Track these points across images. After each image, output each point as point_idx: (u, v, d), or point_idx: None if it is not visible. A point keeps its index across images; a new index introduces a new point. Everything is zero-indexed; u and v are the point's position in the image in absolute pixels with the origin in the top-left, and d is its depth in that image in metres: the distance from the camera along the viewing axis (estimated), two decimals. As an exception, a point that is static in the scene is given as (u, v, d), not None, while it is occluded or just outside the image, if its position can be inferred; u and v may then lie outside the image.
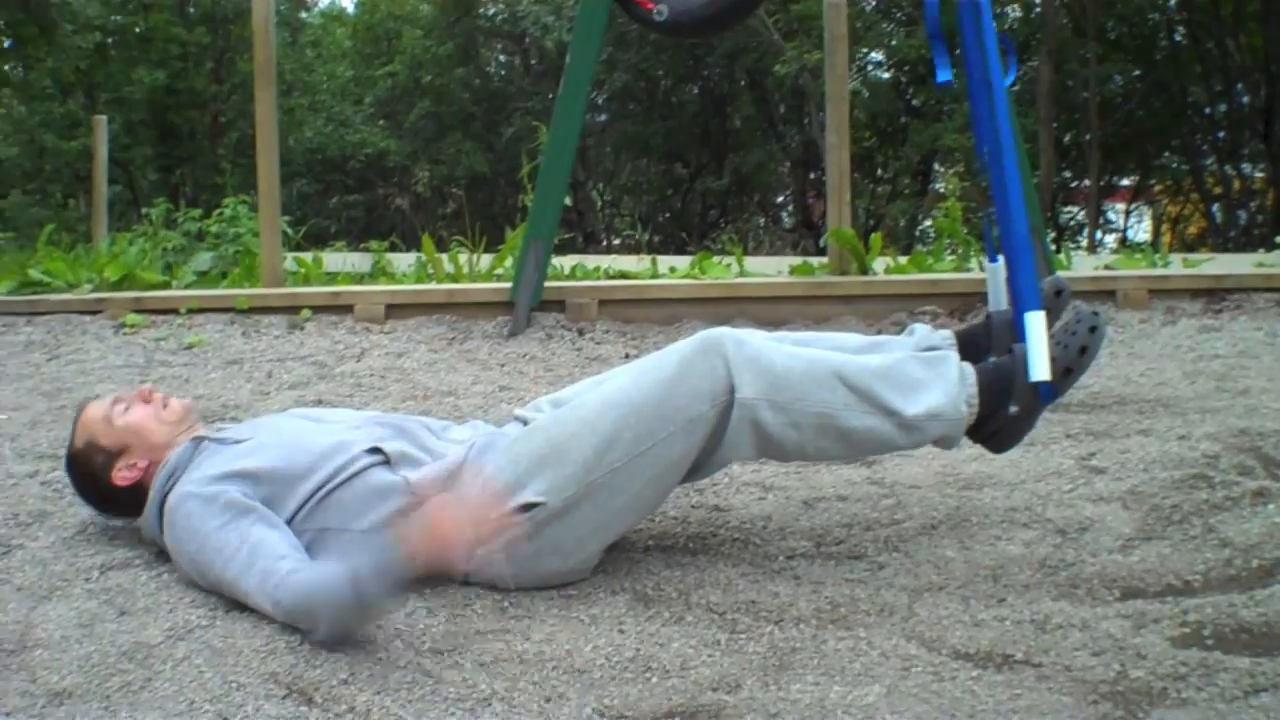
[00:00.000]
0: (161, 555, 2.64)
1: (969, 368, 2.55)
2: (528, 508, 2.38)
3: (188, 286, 6.40)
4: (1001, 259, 2.81)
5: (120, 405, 2.75)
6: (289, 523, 2.47)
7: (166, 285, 6.31)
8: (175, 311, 5.45)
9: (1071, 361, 2.52)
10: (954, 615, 2.32)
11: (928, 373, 2.51)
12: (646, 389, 2.41)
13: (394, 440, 2.60)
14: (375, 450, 2.54)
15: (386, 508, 2.46)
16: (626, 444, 2.38)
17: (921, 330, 2.79)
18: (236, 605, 2.40)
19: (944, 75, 2.94)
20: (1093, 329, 2.55)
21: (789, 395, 2.40)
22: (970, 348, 2.75)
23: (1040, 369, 2.45)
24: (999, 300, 2.94)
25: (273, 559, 2.32)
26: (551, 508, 2.38)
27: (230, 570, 2.36)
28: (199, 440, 2.66)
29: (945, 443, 2.58)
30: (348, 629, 2.21)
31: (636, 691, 2.06)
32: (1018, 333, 2.54)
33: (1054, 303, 2.77)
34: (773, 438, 2.43)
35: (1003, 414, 2.54)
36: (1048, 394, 2.52)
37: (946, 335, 2.78)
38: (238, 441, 2.63)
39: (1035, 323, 2.49)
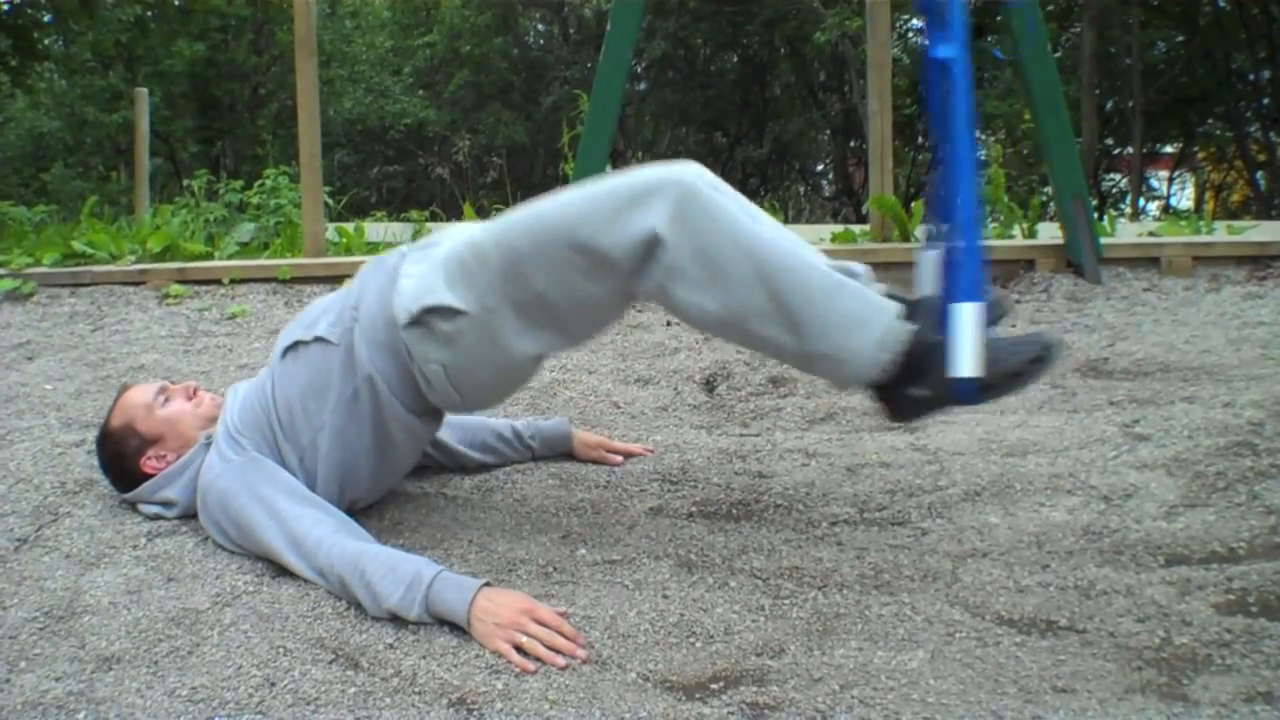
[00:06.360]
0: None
1: (902, 331, 2.29)
2: (450, 313, 2.41)
3: (230, 257, 6.43)
4: (934, 252, 2.56)
5: (162, 396, 2.81)
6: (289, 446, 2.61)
7: (209, 256, 6.33)
8: (218, 282, 5.48)
9: (997, 379, 2.26)
10: (998, 581, 2.32)
11: (863, 311, 2.27)
12: (573, 217, 2.30)
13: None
14: (294, 345, 2.63)
15: (330, 389, 2.57)
16: (545, 267, 2.32)
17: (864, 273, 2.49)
18: (282, 571, 2.43)
19: (945, 52, 2.86)
20: (1037, 360, 2.27)
21: (710, 275, 2.26)
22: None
23: (961, 365, 2.24)
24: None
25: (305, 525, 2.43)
26: (473, 315, 2.39)
27: (269, 541, 2.45)
28: (209, 440, 2.73)
29: (833, 383, 2.50)
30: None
31: (681, 656, 2.06)
32: (943, 322, 2.30)
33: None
34: (677, 307, 2.34)
35: (909, 390, 2.35)
36: (965, 393, 2.26)
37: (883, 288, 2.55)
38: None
39: (968, 315, 2.24)
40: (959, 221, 2.33)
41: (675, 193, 2.24)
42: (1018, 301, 5.07)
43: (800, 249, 2.32)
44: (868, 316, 2.27)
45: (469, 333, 2.41)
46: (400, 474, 2.83)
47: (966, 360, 2.22)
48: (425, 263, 2.52)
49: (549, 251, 2.31)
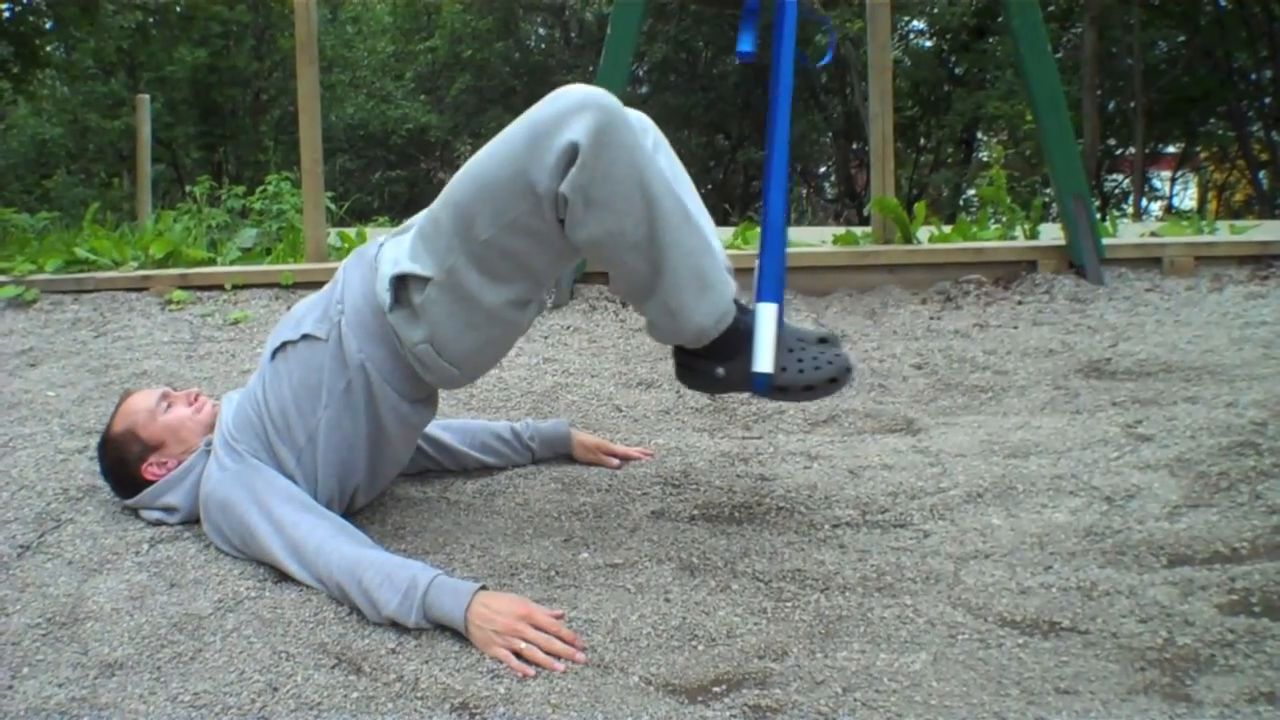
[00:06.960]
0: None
1: (731, 313, 2.44)
2: (418, 282, 2.42)
3: (232, 263, 6.43)
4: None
5: (164, 402, 2.81)
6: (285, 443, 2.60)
7: (211, 262, 6.34)
8: (220, 288, 5.49)
9: (790, 382, 2.46)
10: (1000, 583, 2.31)
11: (715, 279, 2.41)
12: (501, 160, 2.30)
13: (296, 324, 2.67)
14: (281, 346, 2.63)
15: (322, 385, 2.57)
16: (489, 215, 2.31)
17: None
18: (284, 576, 2.43)
19: (745, 47, 2.88)
20: (833, 380, 2.46)
21: (606, 203, 2.26)
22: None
23: (757, 360, 2.41)
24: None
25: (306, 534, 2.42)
26: (438, 280, 2.40)
27: (273, 552, 2.45)
28: (209, 447, 2.73)
29: (654, 330, 2.50)
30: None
31: (683, 660, 2.06)
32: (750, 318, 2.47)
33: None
34: (564, 215, 2.31)
35: (714, 366, 2.50)
36: (759, 385, 2.46)
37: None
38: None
39: (766, 314, 2.43)
40: (766, 226, 2.45)
41: (596, 115, 2.23)
42: (1019, 303, 5.07)
43: (687, 198, 2.48)
44: (716, 286, 2.41)
45: (440, 299, 2.42)
46: (397, 467, 2.82)
47: (763, 356, 2.41)
48: (399, 246, 2.54)
49: (488, 199, 2.31)
